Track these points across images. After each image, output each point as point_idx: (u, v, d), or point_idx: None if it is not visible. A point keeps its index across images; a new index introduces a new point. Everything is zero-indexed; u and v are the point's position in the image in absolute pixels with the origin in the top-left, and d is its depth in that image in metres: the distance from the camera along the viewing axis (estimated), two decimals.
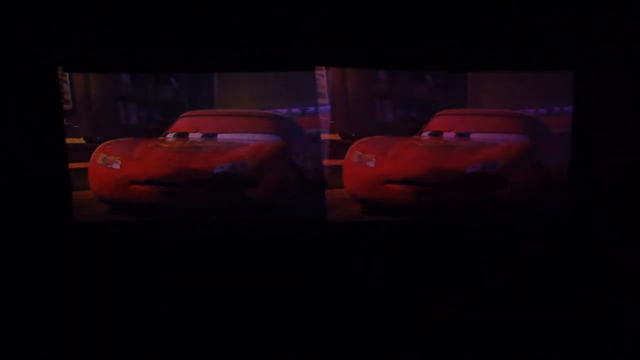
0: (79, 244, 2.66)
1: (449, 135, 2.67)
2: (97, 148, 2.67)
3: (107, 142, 2.67)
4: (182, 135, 2.70)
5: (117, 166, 2.66)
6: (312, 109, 2.62)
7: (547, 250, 2.63)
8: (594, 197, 2.54)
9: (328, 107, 2.61)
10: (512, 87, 2.62)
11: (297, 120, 2.64)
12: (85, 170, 2.67)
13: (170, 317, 2.62)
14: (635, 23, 2.22)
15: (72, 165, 2.64)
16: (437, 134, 2.66)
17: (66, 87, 2.61)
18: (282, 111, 2.64)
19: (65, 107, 2.61)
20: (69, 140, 2.62)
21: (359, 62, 2.59)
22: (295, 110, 2.64)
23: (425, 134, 2.67)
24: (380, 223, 2.66)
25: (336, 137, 2.63)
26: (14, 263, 2.63)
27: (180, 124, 2.69)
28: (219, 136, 2.70)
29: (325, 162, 2.63)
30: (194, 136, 2.71)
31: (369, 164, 2.65)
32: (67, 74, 2.60)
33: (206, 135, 2.70)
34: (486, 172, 2.63)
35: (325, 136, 2.62)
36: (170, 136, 2.70)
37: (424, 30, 2.57)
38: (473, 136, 2.66)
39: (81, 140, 2.66)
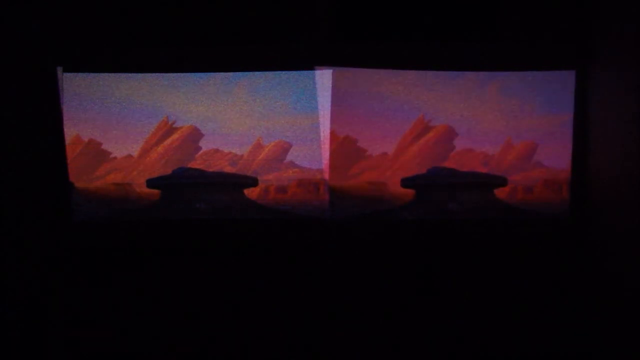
0: (78, 243, 2.66)
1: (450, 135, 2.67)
2: None
3: None
4: None
5: None
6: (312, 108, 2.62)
7: (547, 250, 2.63)
8: (594, 197, 2.54)
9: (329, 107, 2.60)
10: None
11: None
12: None
13: (170, 316, 2.63)
14: (635, 23, 2.22)
15: None
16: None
17: None
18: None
19: None
20: None
21: (359, 62, 2.58)
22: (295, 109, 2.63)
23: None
24: (381, 223, 2.66)
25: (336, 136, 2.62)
26: (14, 262, 2.63)
27: None
28: None
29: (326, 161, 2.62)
30: None
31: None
32: None
33: None
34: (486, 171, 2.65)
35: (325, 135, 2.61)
36: None
37: (423, 30, 2.57)
38: (472, 136, 2.66)
39: None
